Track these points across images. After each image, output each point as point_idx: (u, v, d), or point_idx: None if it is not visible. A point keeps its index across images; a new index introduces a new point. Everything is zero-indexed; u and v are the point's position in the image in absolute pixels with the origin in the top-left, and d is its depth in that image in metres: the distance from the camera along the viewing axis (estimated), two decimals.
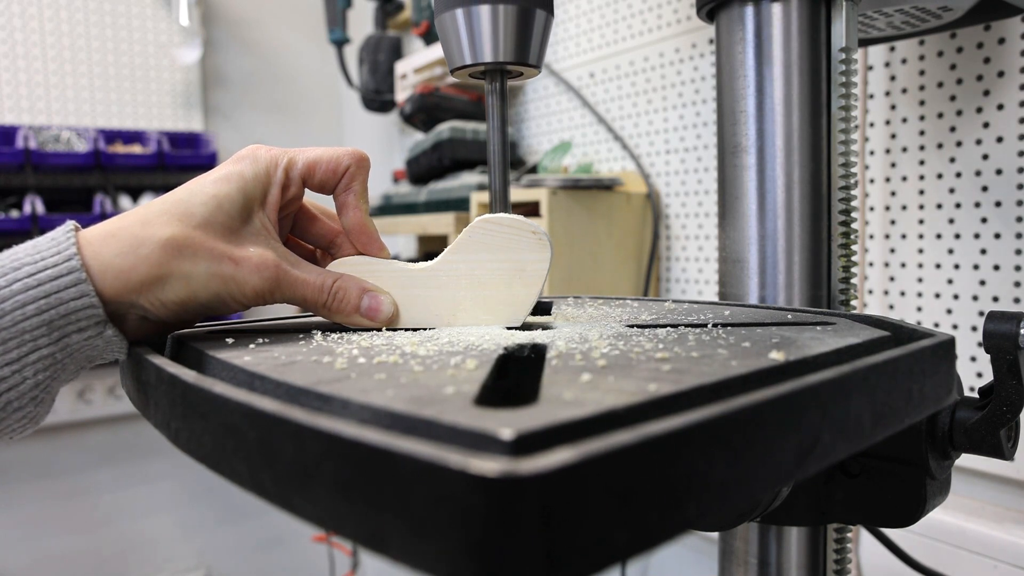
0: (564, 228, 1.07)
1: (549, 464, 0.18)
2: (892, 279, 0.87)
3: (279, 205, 0.43)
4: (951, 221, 0.81)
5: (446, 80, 1.45)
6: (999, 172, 0.76)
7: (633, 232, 1.16)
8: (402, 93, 1.59)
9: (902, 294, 0.85)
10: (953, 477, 0.48)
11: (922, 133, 0.83)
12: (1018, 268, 0.75)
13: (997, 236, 0.77)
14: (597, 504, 0.19)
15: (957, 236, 0.80)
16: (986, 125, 0.77)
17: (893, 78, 0.85)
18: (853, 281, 0.56)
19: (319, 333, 0.43)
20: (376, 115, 1.86)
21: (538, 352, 0.34)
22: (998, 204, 0.77)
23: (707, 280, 1.12)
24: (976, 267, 0.79)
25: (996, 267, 0.77)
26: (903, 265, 0.85)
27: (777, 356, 0.31)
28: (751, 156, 0.54)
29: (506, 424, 0.21)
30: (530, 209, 1.09)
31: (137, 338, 0.41)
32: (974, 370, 0.79)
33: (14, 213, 1.66)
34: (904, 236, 0.85)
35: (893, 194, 0.86)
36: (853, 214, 0.55)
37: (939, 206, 0.82)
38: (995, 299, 0.77)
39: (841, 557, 0.54)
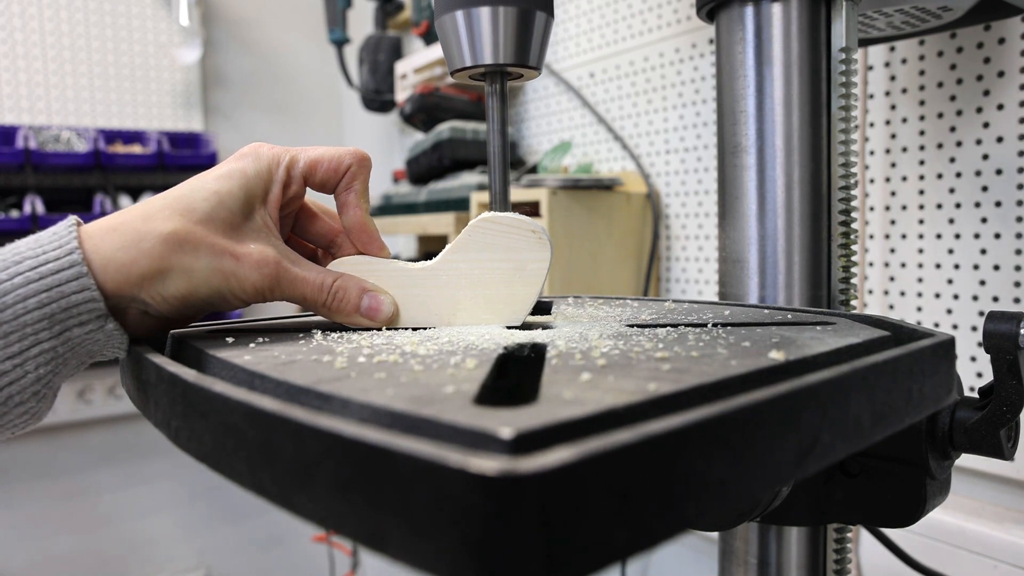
0: (564, 228, 1.07)
1: (549, 463, 0.18)
2: (892, 279, 0.87)
3: (280, 203, 0.43)
4: (951, 221, 0.81)
5: (446, 80, 1.45)
6: (999, 172, 0.76)
7: (633, 232, 1.16)
8: (402, 93, 1.59)
9: (902, 294, 0.85)
10: (953, 477, 0.48)
11: (922, 133, 0.83)
12: (1018, 268, 0.75)
13: (997, 236, 0.77)
14: (597, 503, 0.19)
15: (957, 236, 0.80)
16: (986, 125, 0.77)
17: (893, 78, 0.85)
18: (853, 281, 0.56)
19: (319, 332, 0.43)
20: (376, 115, 1.86)
21: (538, 351, 0.34)
22: (998, 204, 0.77)
23: (707, 280, 1.12)
24: (976, 267, 0.79)
25: (996, 267, 0.77)
26: (903, 265, 0.85)
27: (777, 356, 0.31)
28: (751, 156, 0.54)
29: (506, 423, 0.21)
30: (530, 209, 1.09)
31: (138, 334, 0.41)
32: (974, 370, 0.79)
33: (14, 213, 1.66)
34: (904, 236, 0.85)
35: (893, 194, 0.86)
36: (853, 214, 0.55)
37: (939, 206, 0.82)
38: (995, 299, 0.77)
39: (841, 557, 0.54)
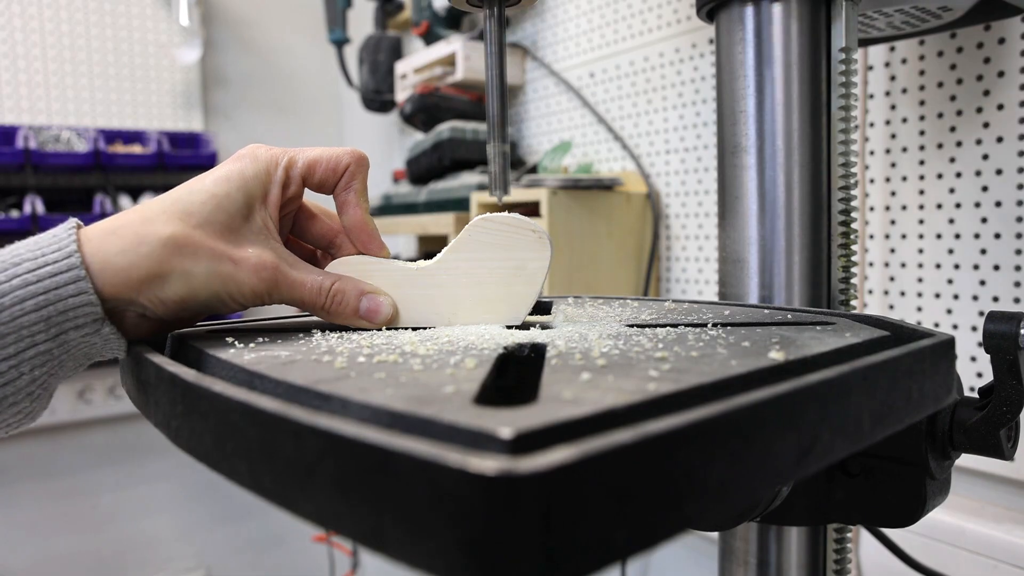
0: (564, 228, 1.07)
1: (548, 463, 0.18)
2: (892, 279, 0.87)
3: (279, 204, 0.43)
4: (951, 221, 0.81)
5: (446, 80, 1.45)
6: (999, 172, 0.76)
7: (633, 232, 1.16)
8: (402, 93, 1.59)
9: (902, 294, 0.85)
10: (953, 477, 0.48)
11: (922, 133, 0.83)
12: (1018, 268, 0.75)
13: (997, 236, 0.77)
14: (596, 503, 0.19)
15: (957, 236, 0.80)
16: (986, 125, 0.77)
17: (893, 78, 0.85)
18: (853, 281, 0.56)
19: (319, 332, 0.43)
20: (376, 115, 1.86)
21: (538, 351, 0.34)
22: (998, 204, 0.77)
23: (707, 280, 1.12)
24: (976, 267, 0.78)
25: (996, 267, 0.77)
26: (903, 265, 0.85)
27: (777, 356, 0.31)
28: (751, 156, 0.54)
29: (505, 423, 0.21)
30: (530, 209, 1.09)
31: (136, 337, 0.41)
32: (974, 370, 0.79)
33: (14, 213, 1.66)
34: (904, 236, 0.85)
35: (893, 194, 0.86)
36: (853, 214, 0.55)
37: (939, 206, 0.82)
38: (995, 299, 0.77)
39: (841, 557, 0.54)
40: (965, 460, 0.75)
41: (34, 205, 1.64)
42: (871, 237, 0.88)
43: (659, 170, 1.18)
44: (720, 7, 0.56)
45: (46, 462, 1.78)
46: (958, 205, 0.80)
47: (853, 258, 0.55)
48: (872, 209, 0.88)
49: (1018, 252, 0.75)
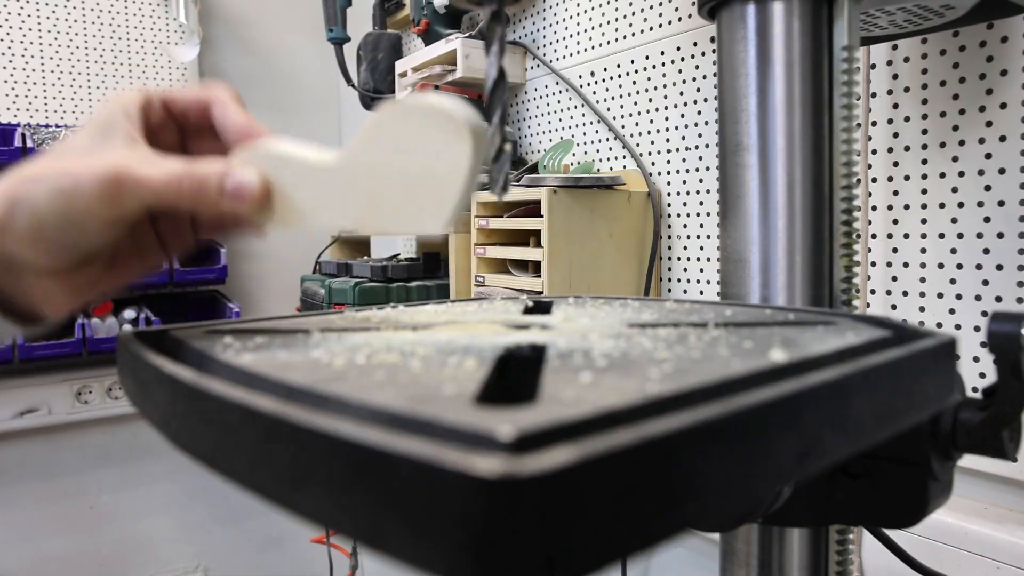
0: (564, 227, 1.07)
1: (549, 463, 0.17)
2: (894, 279, 0.86)
3: (143, 120, 0.41)
4: (954, 220, 0.80)
5: (446, 78, 1.45)
6: (1002, 171, 0.76)
7: (634, 231, 1.16)
8: (402, 92, 1.59)
9: (904, 294, 0.85)
10: (955, 478, 0.47)
11: (924, 132, 0.83)
12: (1021, 268, 0.75)
13: (1000, 236, 0.76)
14: (597, 504, 0.18)
15: (960, 236, 0.80)
16: (989, 124, 0.77)
17: (895, 77, 0.85)
18: (855, 281, 0.56)
19: (318, 332, 0.42)
20: None
21: (538, 351, 0.34)
22: (1001, 203, 0.76)
23: (708, 280, 1.11)
24: (979, 267, 0.78)
25: (999, 267, 0.77)
26: (905, 265, 0.85)
27: (778, 356, 0.31)
28: (753, 155, 0.54)
29: (505, 423, 0.21)
30: (531, 208, 1.09)
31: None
32: (977, 370, 0.78)
33: None
34: (907, 236, 0.85)
35: (895, 193, 0.86)
36: (855, 213, 0.54)
37: (942, 205, 0.82)
38: (998, 299, 0.77)
39: (843, 559, 0.54)
40: (968, 461, 0.75)
41: None
42: (873, 237, 0.88)
43: (660, 169, 1.17)
44: (721, 5, 0.56)
45: (44, 463, 1.78)
46: (961, 204, 0.80)
47: (855, 258, 0.55)
48: (874, 208, 0.88)
49: (1021, 252, 0.75)
